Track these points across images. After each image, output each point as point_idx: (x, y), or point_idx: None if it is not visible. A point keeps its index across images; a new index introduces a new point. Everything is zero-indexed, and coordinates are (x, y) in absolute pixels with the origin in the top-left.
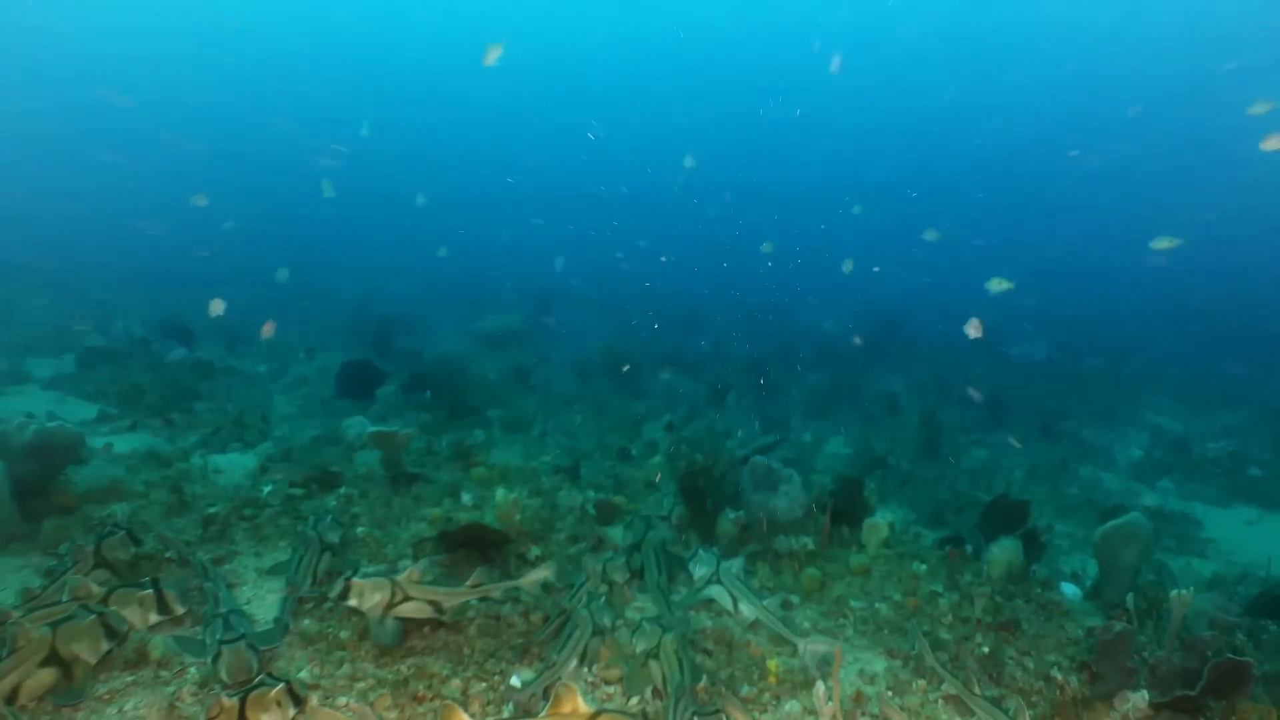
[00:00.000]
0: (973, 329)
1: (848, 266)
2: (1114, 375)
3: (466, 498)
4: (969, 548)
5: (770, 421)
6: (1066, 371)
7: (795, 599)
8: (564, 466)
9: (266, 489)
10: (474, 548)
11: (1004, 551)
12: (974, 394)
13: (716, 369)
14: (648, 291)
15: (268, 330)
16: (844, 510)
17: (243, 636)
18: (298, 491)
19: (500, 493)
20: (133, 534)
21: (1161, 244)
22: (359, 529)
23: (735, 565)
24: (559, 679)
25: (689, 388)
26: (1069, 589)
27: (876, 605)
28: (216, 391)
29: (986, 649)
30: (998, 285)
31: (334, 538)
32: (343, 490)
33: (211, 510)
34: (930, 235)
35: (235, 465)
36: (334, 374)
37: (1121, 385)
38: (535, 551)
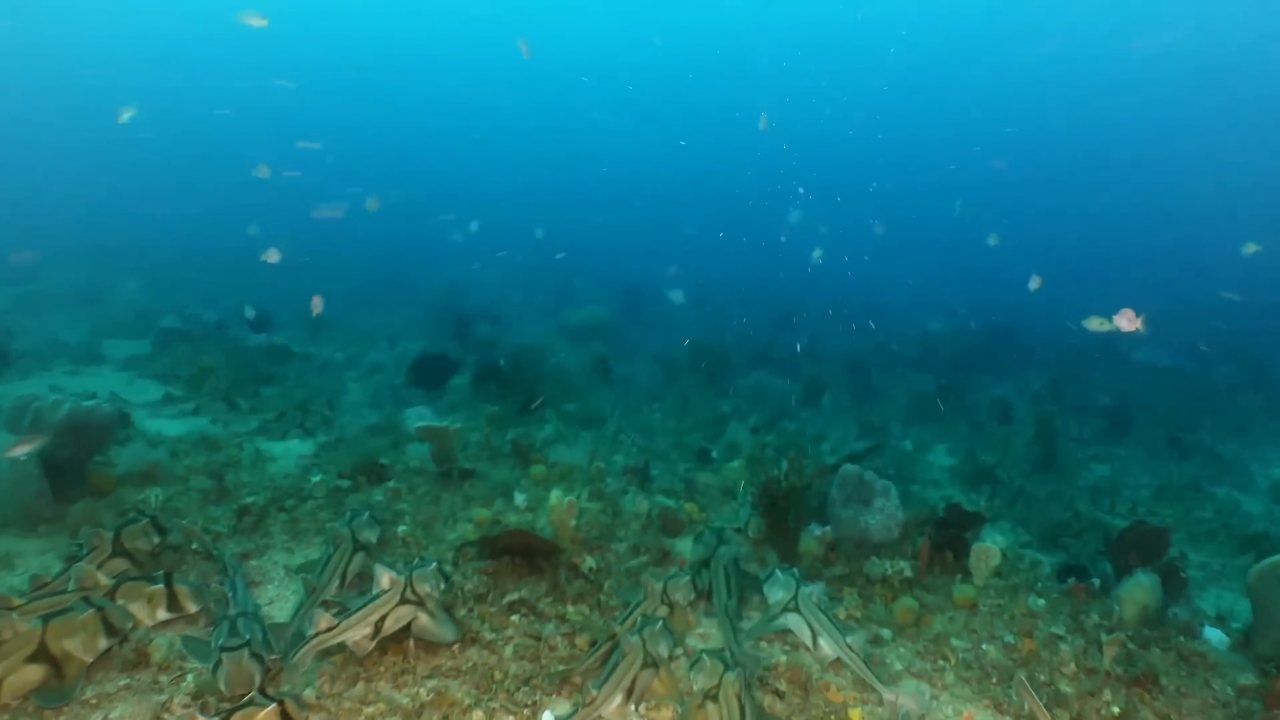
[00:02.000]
0: (1125, 320)
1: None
2: (1251, 384)
3: (520, 498)
4: (1095, 581)
5: (867, 426)
6: (1196, 379)
7: (887, 634)
8: (634, 467)
9: (314, 479)
10: (520, 556)
11: (1140, 590)
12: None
13: (811, 368)
14: (742, 288)
15: (316, 305)
16: (949, 531)
17: (246, 644)
18: (344, 484)
19: (555, 495)
20: (157, 522)
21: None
22: (401, 527)
23: (816, 591)
24: (598, 717)
25: (781, 387)
26: (1215, 636)
27: (984, 647)
28: (288, 377)
29: (1117, 709)
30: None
31: (370, 536)
32: (391, 484)
33: (249, 500)
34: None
35: (290, 453)
36: (408, 362)
37: (1261, 396)
38: (590, 563)
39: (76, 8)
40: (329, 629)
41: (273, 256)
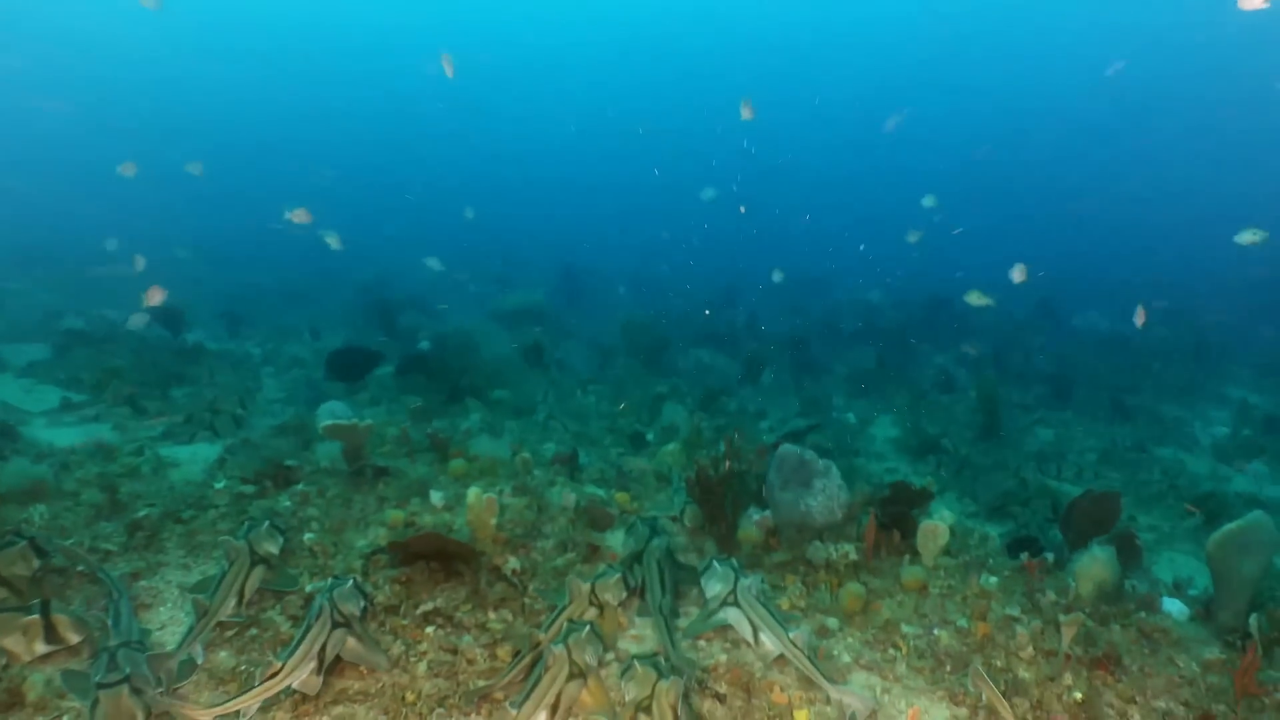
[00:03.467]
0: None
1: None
2: (1189, 347)
3: (437, 497)
4: (1049, 556)
5: (810, 401)
6: (1134, 344)
7: (833, 623)
8: (562, 456)
9: (217, 486)
10: (437, 561)
11: (1096, 564)
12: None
13: (752, 344)
14: (682, 266)
15: (154, 297)
16: (895, 510)
17: (126, 679)
18: (248, 489)
19: (473, 492)
20: (36, 544)
21: (1246, 237)
22: (307, 535)
23: (756, 582)
24: None
25: (722, 364)
26: (1175, 607)
27: (936, 632)
28: (201, 376)
29: (1079, 694)
30: (978, 299)
31: (270, 547)
32: (299, 487)
33: (143, 513)
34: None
35: (196, 458)
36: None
37: (1199, 358)
38: (513, 564)
39: None
40: (273, 674)
41: (155, 297)
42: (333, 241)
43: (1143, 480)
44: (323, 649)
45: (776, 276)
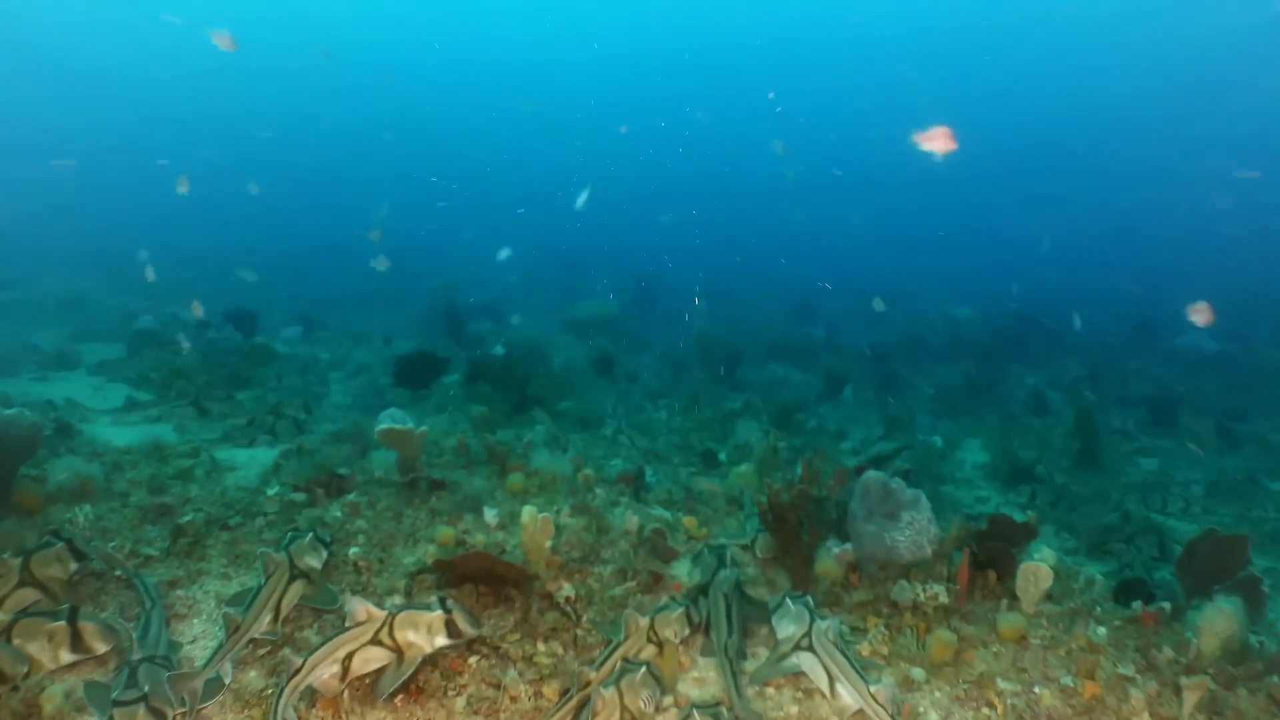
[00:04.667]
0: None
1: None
2: None
3: (490, 514)
4: (1165, 605)
5: (893, 421)
6: (1243, 366)
7: (919, 674)
8: (627, 474)
9: (270, 492)
10: (485, 584)
11: (1222, 618)
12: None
13: (832, 359)
14: (758, 278)
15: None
16: (993, 546)
17: (143, 698)
18: (299, 497)
19: (528, 511)
20: (74, 546)
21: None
22: (353, 549)
23: (833, 626)
24: None
25: (798, 379)
26: None
27: (1037, 690)
28: (268, 379)
29: None
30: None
31: (312, 561)
32: (351, 497)
33: (188, 518)
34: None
35: (254, 462)
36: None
37: None
38: (567, 591)
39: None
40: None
41: (198, 310)
42: (380, 264)
43: (1256, 517)
44: (349, 656)
45: (879, 306)
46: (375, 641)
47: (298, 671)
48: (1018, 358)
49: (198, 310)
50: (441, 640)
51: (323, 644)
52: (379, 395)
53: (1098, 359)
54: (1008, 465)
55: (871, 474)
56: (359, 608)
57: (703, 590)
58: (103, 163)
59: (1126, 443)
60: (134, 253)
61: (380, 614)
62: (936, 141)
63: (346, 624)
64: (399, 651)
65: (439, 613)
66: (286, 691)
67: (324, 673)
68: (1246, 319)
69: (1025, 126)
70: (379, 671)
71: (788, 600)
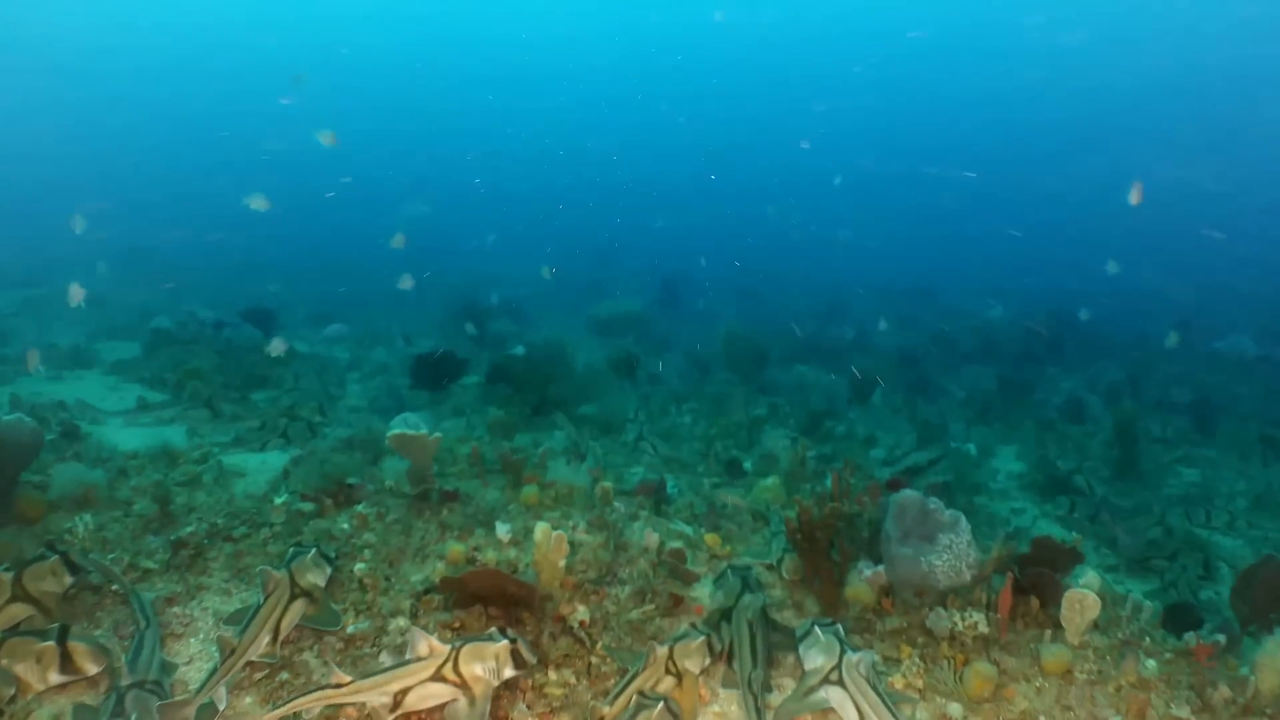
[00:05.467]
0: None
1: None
2: None
3: (503, 529)
4: (1219, 637)
5: (925, 427)
6: None
7: (956, 710)
8: (648, 484)
9: (277, 501)
10: (495, 604)
11: None
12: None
13: (861, 361)
14: (787, 277)
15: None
16: (1035, 571)
17: None
18: (307, 507)
19: (541, 527)
20: (69, 559)
21: None
22: (359, 565)
23: (866, 660)
24: None
25: (827, 382)
26: None
27: None
28: (285, 380)
29: None
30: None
31: (315, 579)
32: (360, 508)
33: (189, 529)
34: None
35: (265, 468)
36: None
37: None
38: (581, 614)
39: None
40: (340, 684)
41: (77, 295)
42: (405, 283)
43: None
44: (404, 692)
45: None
46: (437, 678)
47: (334, 687)
48: (1053, 361)
49: (77, 295)
50: (509, 671)
51: (377, 672)
52: (395, 397)
53: (1136, 362)
54: (1044, 475)
55: (908, 493)
56: (421, 642)
57: (725, 616)
58: (127, 160)
59: (1167, 452)
60: (158, 249)
61: (443, 648)
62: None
63: (407, 656)
64: (464, 686)
65: (504, 643)
66: (305, 700)
67: (371, 701)
68: None
69: (1061, 123)
70: (440, 708)
71: (816, 628)
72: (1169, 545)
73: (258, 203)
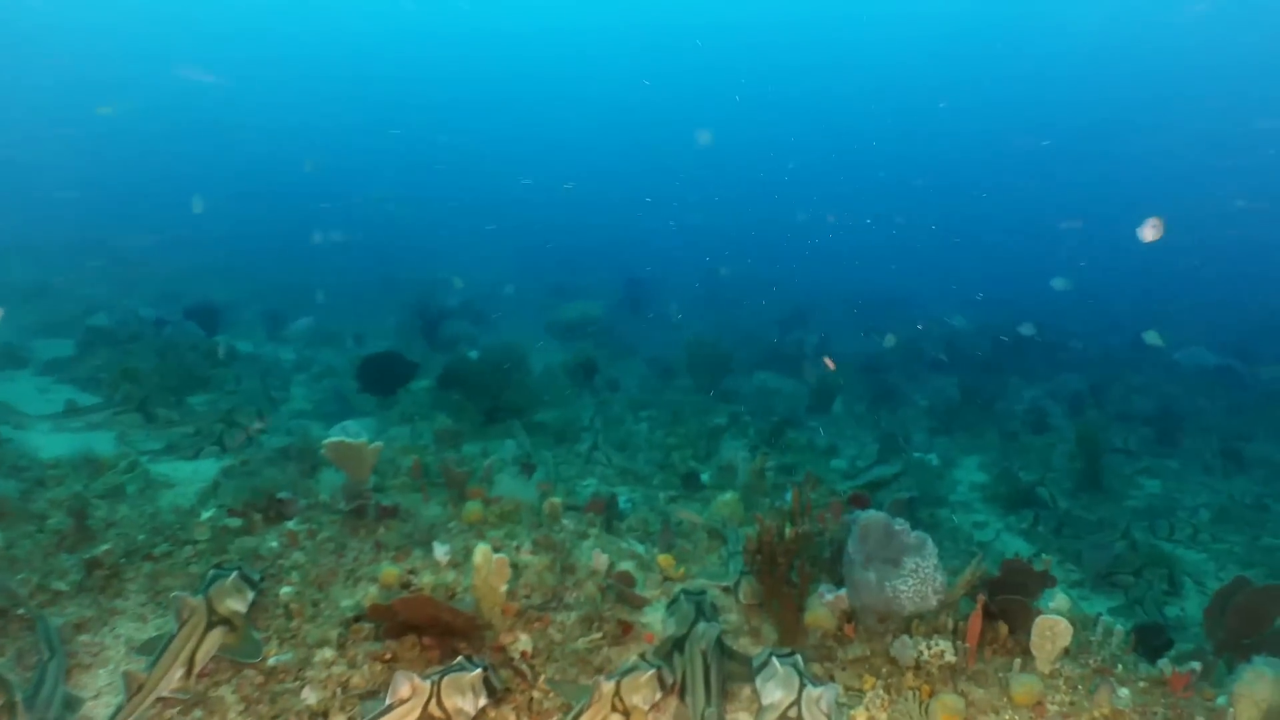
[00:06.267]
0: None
1: None
2: None
3: (441, 550)
4: (1195, 665)
5: (888, 437)
6: (1246, 381)
7: None
8: (599, 500)
9: (204, 516)
10: (430, 634)
11: (1264, 684)
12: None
13: (822, 369)
14: (751, 282)
15: None
16: (1005, 598)
17: None
18: (234, 523)
19: (480, 549)
20: None
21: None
22: (285, 589)
23: (827, 696)
24: None
25: (789, 390)
26: None
27: None
28: (227, 381)
29: None
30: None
31: (235, 605)
32: (291, 525)
33: (106, 546)
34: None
35: (196, 478)
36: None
37: None
38: (523, 644)
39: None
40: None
41: None
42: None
43: (1266, 546)
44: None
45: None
46: (425, 717)
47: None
48: (1015, 370)
49: None
50: (483, 700)
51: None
52: (342, 401)
53: (1098, 372)
54: (1008, 487)
55: (872, 514)
56: (404, 683)
57: (678, 646)
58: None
59: (1130, 463)
60: (107, 242)
61: (425, 686)
62: (1148, 231)
63: (389, 700)
64: None
65: (478, 671)
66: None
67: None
68: (1247, 333)
69: (1023, 131)
70: None
71: (774, 659)
72: (1134, 560)
73: (197, 206)
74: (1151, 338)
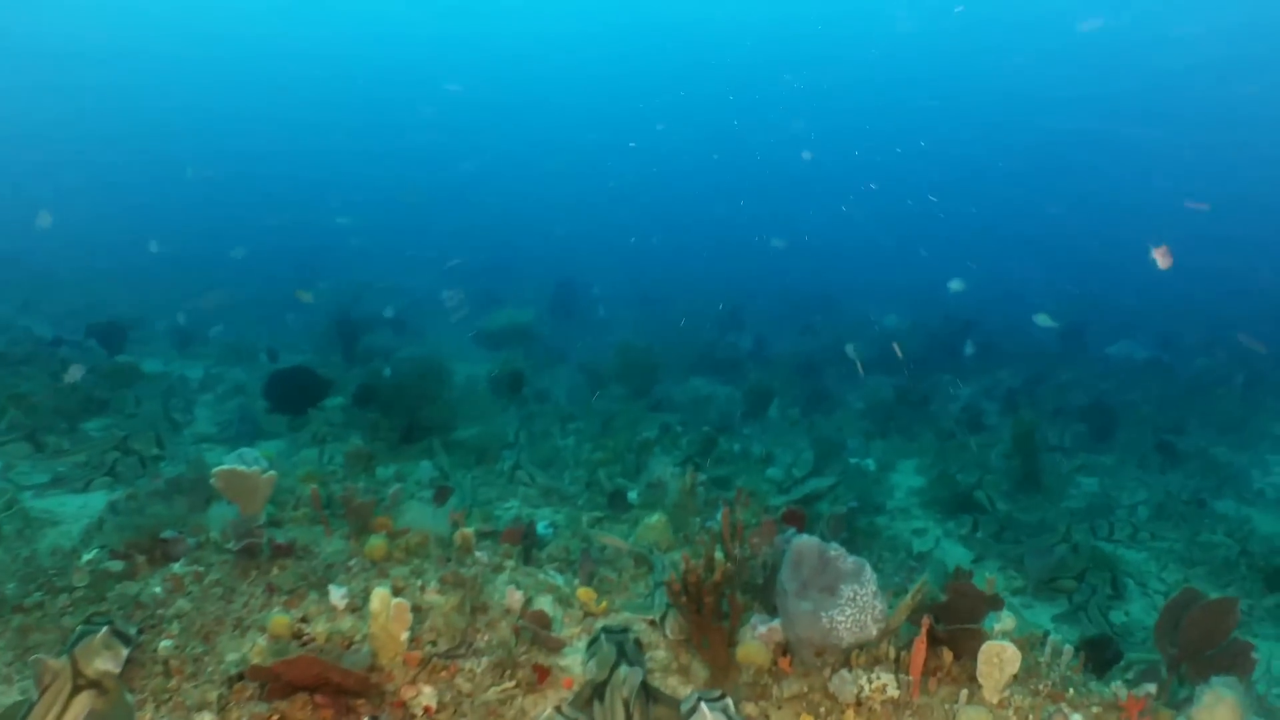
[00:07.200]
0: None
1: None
2: (1235, 379)
3: (338, 593)
4: (1149, 687)
5: (823, 443)
6: (1177, 375)
7: None
8: (515, 528)
9: (85, 559)
10: (323, 692)
11: (1223, 708)
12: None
13: (758, 372)
14: (686, 284)
15: None
16: (950, 625)
17: None
18: (116, 566)
19: (378, 594)
20: None
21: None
22: (164, 642)
23: None
24: None
25: (723, 395)
26: None
27: None
28: (127, 404)
29: None
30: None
31: (105, 665)
32: (176, 568)
33: None
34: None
35: (84, 514)
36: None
37: (1248, 390)
38: (427, 697)
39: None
40: None
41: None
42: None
43: (1205, 542)
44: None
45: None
46: None
47: None
48: (950, 368)
49: None
50: None
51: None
52: (250, 423)
53: (1030, 369)
54: (946, 491)
55: (805, 539)
56: None
57: (598, 693)
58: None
59: (1066, 460)
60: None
61: None
62: (1160, 258)
63: None
64: None
65: None
66: None
67: None
68: (1175, 325)
69: (955, 123)
70: None
71: (703, 705)
72: (1076, 564)
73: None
74: (1043, 320)
